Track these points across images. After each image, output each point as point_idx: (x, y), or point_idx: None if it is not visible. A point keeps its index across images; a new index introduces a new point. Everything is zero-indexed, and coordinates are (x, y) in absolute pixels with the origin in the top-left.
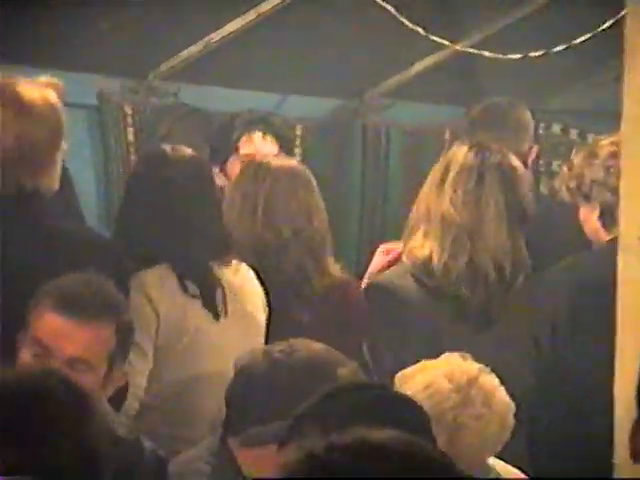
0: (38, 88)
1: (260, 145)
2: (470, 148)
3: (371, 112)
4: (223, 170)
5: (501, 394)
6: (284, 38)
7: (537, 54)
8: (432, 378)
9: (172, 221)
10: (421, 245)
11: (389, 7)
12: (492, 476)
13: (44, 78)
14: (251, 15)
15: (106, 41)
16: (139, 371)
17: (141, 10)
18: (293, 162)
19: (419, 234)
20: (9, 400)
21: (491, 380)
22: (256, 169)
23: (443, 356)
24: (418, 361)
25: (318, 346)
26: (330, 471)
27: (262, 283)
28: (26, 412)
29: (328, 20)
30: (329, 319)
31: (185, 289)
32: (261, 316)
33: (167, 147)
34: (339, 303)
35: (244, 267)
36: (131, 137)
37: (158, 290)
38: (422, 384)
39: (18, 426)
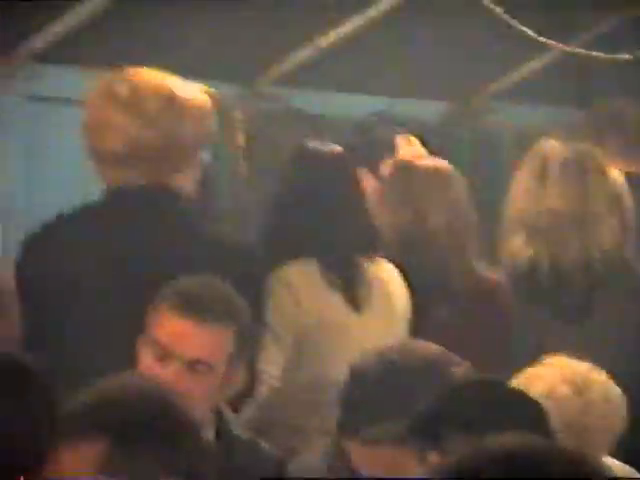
0: (193, 90)
1: (411, 147)
2: (564, 144)
3: (480, 114)
4: (374, 171)
5: (614, 388)
6: (393, 42)
7: None
8: (550, 386)
9: (319, 216)
10: (524, 245)
11: (498, 10)
12: (610, 475)
13: (200, 85)
14: (360, 19)
15: (216, 47)
16: (274, 361)
17: (251, 15)
18: (443, 162)
19: (518, 235)
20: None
21: (601, 376)
22: (407, 168)
23: (549, 360)
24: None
25: (433, 347)
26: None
27: (406, 280)
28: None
29: (437, 23)
30: (472, 317)
31: (328, 282)
32: (404, 313)
33: (315, 143)
34: (483, 302)
35: (389, 264)
36: (242, 142)
37: (301, 281)
38: (542, 393)
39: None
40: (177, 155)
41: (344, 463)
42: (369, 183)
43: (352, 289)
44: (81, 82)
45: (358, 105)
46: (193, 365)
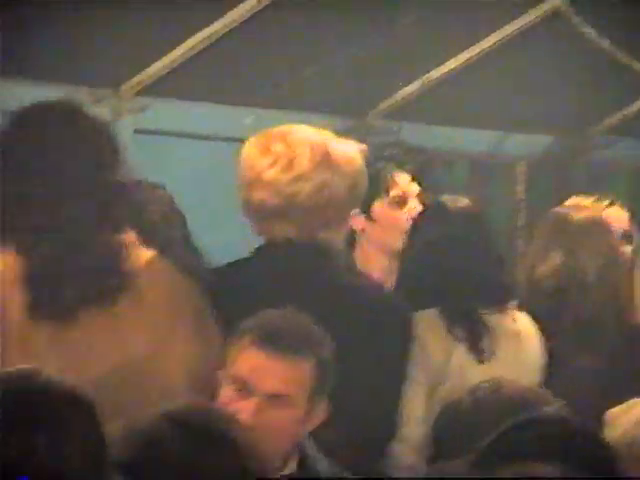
0: (347, 148)
1: (407, 185)
2: None
3: (594, 149)
4: (367, 213)
5: None
6: (504, 75)
7: None
8: (624, 422)
9: (449, 269)
10: None
11: (605, 43)
12: None
13: (353, 142)
14: (468, 53)
15: (326, 80)
16: (418, 406)
17: (357, 51)
18: (597, 211)
19: None
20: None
21: None
22: (556, 220)
23: None
24: None
25: (524, 385)
26: None
27: (546, 329)
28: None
29: (547, 59)
30: (617, 364)
31: (453, 333)
32: (536, 362)
33: (447, 199)
34: (632, 350)
35: (522, 315)
36: None
37: (427, 332)
38: (634, 419)
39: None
40: (329, 211)
41: None
42: (360, 223)
43: (475, 340)
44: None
45: (467, 139)
46: (273, 399)
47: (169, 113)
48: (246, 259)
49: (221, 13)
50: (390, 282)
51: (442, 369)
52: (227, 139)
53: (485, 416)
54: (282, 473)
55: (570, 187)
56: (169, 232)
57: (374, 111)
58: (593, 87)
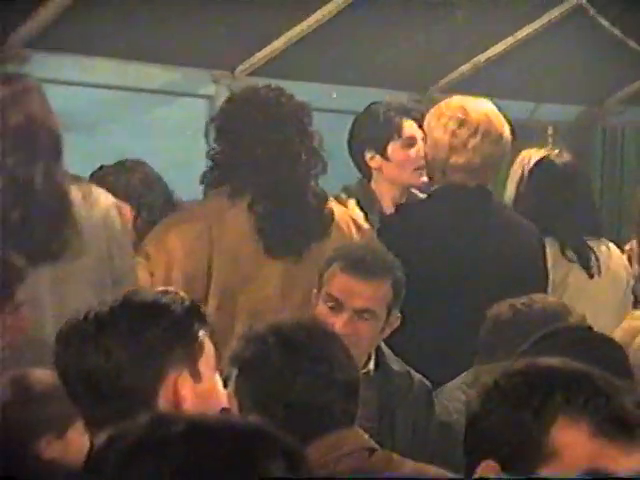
0: (502, 120)
1: (415, 130)
2: None
3: (610, 116)
4: (383, 154)
5: None
6: (535, 58)
7: None
8: (633, 328)
9: (561, 206)
10: None
11: (617, 32)
12: None
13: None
14: (507, 41)
15: (395, 62)
16: None
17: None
18: None
19: None
20: None
21: None
22: None
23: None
24: None
25: (553, 300)
26: (504, 393)
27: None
28: None
29: (571, 46)
30: None
31: (566, 255)
32: (624, 280)
33: (553, 154)
34: None
35: (610, 243)
36: None
37: (550, 259)
38: (624, 332)
39: None
40: (498, 164)
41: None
42: (377, 163)
43: (584, 260)
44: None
45: (507, 109)
46: (361, 314)
47: None
48: (416, 205)
49: (319, 6)
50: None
51: (561, 285)
52: (318, 110)
53: (522, 325)
54: (363, 371)
55: (588, 148)
56: None
57: (434, 87)
58: (608, 67)
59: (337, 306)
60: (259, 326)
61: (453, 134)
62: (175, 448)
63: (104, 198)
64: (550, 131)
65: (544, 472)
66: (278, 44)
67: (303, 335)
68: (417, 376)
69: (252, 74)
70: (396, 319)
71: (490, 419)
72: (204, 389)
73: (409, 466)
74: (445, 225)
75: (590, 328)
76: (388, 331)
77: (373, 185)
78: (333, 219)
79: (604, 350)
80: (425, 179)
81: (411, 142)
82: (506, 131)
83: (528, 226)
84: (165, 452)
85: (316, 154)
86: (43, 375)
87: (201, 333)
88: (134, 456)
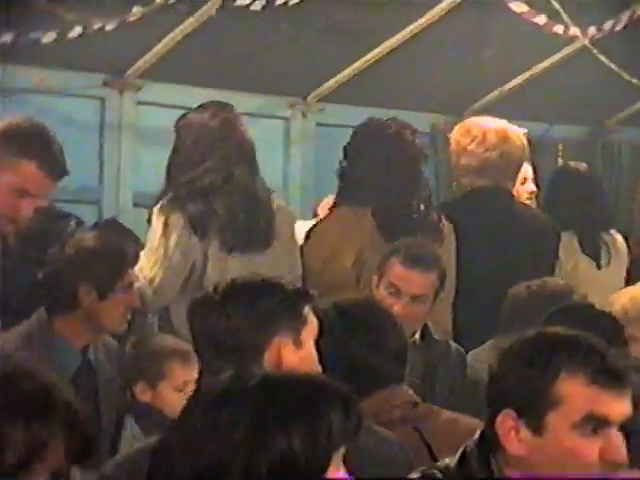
0: (516, 130)
1: None
2: None
3: (608, 134)
4: None
5: None
6: (555, 84)
7: None
8: (634, 293)
9: (579, 205)
10: None
11: (614, 66)
12: None
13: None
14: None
15: (439, 83)
16: None
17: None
18: None
19: None
20: None
21: None
22: None
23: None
24: None
25: (562, 282)
26: (517, 355)
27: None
28: None
29: (576, 84)
30: None
31: (581, 247)
32: (625, 263)
33: (573, 163)
34: None
35: (619, 235)
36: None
37: (563, 249)
38: (628, 297)
39: None
40: (509, 169)
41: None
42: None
43: (595, 252)
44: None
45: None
46: (415, 299)
47: (341, 112)
48: (449, 205)
49: (377, 42)
50: None
51: (572, 273)
52: None
53: (535, 303)
54: (411, 340)
55: (591, 160)
56: None
57: (469, 110)
58: (607, 94)
59: (396, 292)
60: (323, 302)
61: (461, 144)
62: (250, 398)
63: (279, 201)
64: (560, 147)
65: (551, 416)
66: (342, 76)
67: (359, 310)
68: (454, 345)
69: (321, 100)
70: (440, 300)
71: (507, 376)
72: (304, 355)
73: (445, 415)
74: (470, 222)
75: (592, 305)
76: (432, 313)
77: None
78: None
79: (603, 323)
80: None
81: None
82: (516, 141)
83: (544, 219)
84: (242, 401)
85: (425, 186)
86: (141, 340)
87: (306, 309)
88: (219, 403)
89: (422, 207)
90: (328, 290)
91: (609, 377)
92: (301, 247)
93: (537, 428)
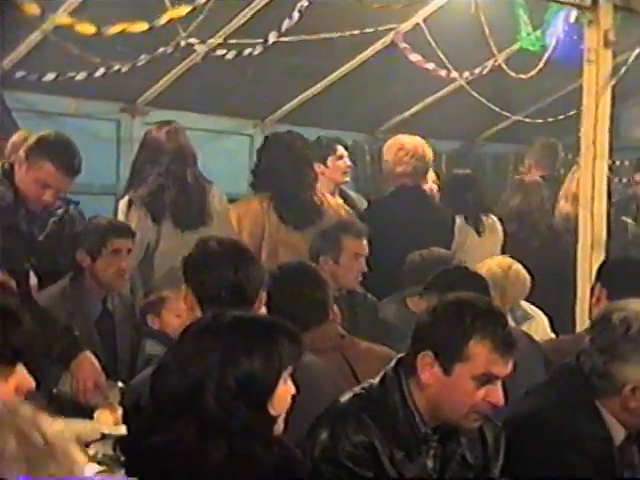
0: (424, 145)
1: (342, 150)
2: None
3: (477, 147)
4: (324, 164)
5: (522, 269)
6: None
7: None
8: (490, 266)
9: (469, 197)
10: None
11: (483, 99)
12: (521, 312)
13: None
14: None
15: (359, 110)
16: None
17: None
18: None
19: None
20: None
21: (517, 266)
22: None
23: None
24: None
25: (445, 251)
26: (442, 313)
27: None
28: None
29: None
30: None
31: (467, 224)
32: (500, 240)
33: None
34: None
35: (493, 216)
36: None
37: (457, 227)
38: (486, 269)
39: None
40: (424, 173)
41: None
42: (320, 169)
43: (478, 227)
44: None
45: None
46: (363, 257)
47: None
48: (386, 197)
49: (319, 80)
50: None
51: (462, 242)
52: None
53: (424, 266)
54: (340, 292)
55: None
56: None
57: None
58: (476, 118)
59: (357, 257)
60: (273, 266)
61: (397, 155)
62: (223, 331)
63: (216, 190)
64: (444, 157)
65: (459, 365)
66: (291, 104)
67: (298, 271)
68: (369, 295)
69: (277, 122)
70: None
71: (432, 328)
72: None
73: (364, 345)
74: (399, 208)
75: (466, 268)
76: None
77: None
78: (322, 208)
79: (474, 280)
80: (347, 179)
81: (340, 156)
82: (428, 153)
83: (444, 208)
84: (217, 333)
85: (312, 180)
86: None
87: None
88: (200, 334)
89: (307, 194)
90: None
91: (506, 347)
92: None
93: (446, 370)
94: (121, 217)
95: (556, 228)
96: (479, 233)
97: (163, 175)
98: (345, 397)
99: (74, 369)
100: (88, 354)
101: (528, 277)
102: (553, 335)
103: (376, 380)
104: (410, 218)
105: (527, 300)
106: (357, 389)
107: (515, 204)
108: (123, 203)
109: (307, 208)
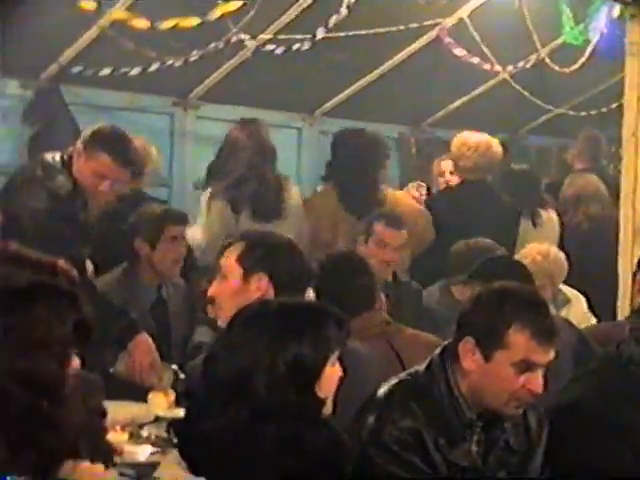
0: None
1: None
2: None
3: (521, 139)
4: None
5: (561, 253)
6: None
7: None
8: (530, 254)
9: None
10: None
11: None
12: (561, 296)
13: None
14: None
15: (404, 103)
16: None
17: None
18: None
19: None
20: None
21: (554, 249)
22: None
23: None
24: None
25: (489, 241)
26: (485, 301)
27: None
28: None
29: None
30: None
31: (523, 216)
32: (556, 231)
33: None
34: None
35: (553, 213)
36: None
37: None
38: (529, 259)
39: None
40: (489, 168)
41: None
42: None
43: (535, 220)
44: None
45: None
46: (398, 249)
47: (337, 123)
48: (451, 188)
49: (365, 74)
50: None
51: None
52: None
53: (471, 255)
54: (387, 280)
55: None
56: None
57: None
58: (518, 111)
59: (383, 245)
60: (320, 255)
61: (460, 150)
62: (272, 317)
63: (293, 185)
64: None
65: (499, 352)
66: (338, 98)
67: (345, 259)
68: (414, 282)
69: (324, 115)
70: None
71: (474, 316)
72: None
73: (410, 331)
74: (462, 201)
75: (510, 257)
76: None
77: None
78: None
79: (517, 269)
80: None
81: None
82: (492, 150)
83: (509, 202)
84: (266, 320)
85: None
86: None
87: None
88: (249, 321)
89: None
90: None
91: (546, 335)
92: None
93: (487, 357)
94: (203, 208)
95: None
96: (535, 225)
97: (244, 169)
98: (391, 383)
99: (131, 349)
100: (145, 335)
101: (565, 259)
102: (591, 316)
103: (422, 367)
104: (473, 210)
105: (570, 285)
106: (403, 375)
107: (571, 192)
108: (205, 195)
109: (373, 202)
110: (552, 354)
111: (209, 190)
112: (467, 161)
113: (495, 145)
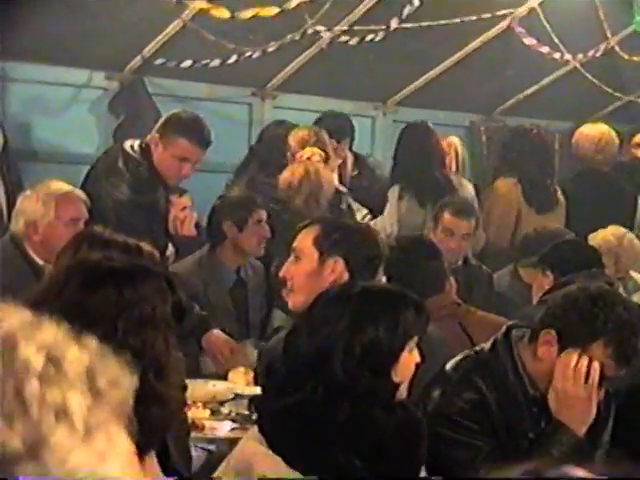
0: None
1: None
2: None
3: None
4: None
5: (634, 237)
6: None
7: None
8: (605, 235)
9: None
10: None
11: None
12: (632, 283)
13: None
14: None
15: (475, 92)
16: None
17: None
18: None
19: None
20: None
21: (630, 235)
22: None
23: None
24: None
25: (558, 226)
26: (576, 302)
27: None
28: None
29: None
30: None
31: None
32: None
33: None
34: None
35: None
36: None
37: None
38: (600, 237)
39: None
40: (611, 156)
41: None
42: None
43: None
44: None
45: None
46: (465, 237)
47: (411, 112)
48: (575, 176)
49: (436, 64)
50: None
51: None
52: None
53: (539, 239)
54: (457, 264)
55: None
56: None
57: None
58: (587, 99)
59: (449, 233)
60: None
61: (604, 146)
62: (352, 300)
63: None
64: (557, 136)
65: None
66: (410, 88)
67: (415, 242)
68: (484, 267)
69: (397, 104)
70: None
71: (566, 314)
72: None
73: (480, 313)
74: (585, 187)
75: (579, 241)
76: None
77: None
78: None
79: (587, 252)
80: None
81: None
82: (614, 139)
83: (628, 189)
84: (347, 302)
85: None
86: None
87: None
88: (331, 302)
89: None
90: None
91: (627, 359)
92: None
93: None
94: (393, 200)
95: None
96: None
97: (425, 167)
98: (457, 358)
99: (206, 345)
100: (215, 330)
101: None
102: None
103: (487, 345)
104: (593, 196)
105: None
106: (467, 351)
107: None
108: (393, 190)
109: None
110: (623, 372)
111: (397, 187)
112: (586, 151)
113: (609, 135)
